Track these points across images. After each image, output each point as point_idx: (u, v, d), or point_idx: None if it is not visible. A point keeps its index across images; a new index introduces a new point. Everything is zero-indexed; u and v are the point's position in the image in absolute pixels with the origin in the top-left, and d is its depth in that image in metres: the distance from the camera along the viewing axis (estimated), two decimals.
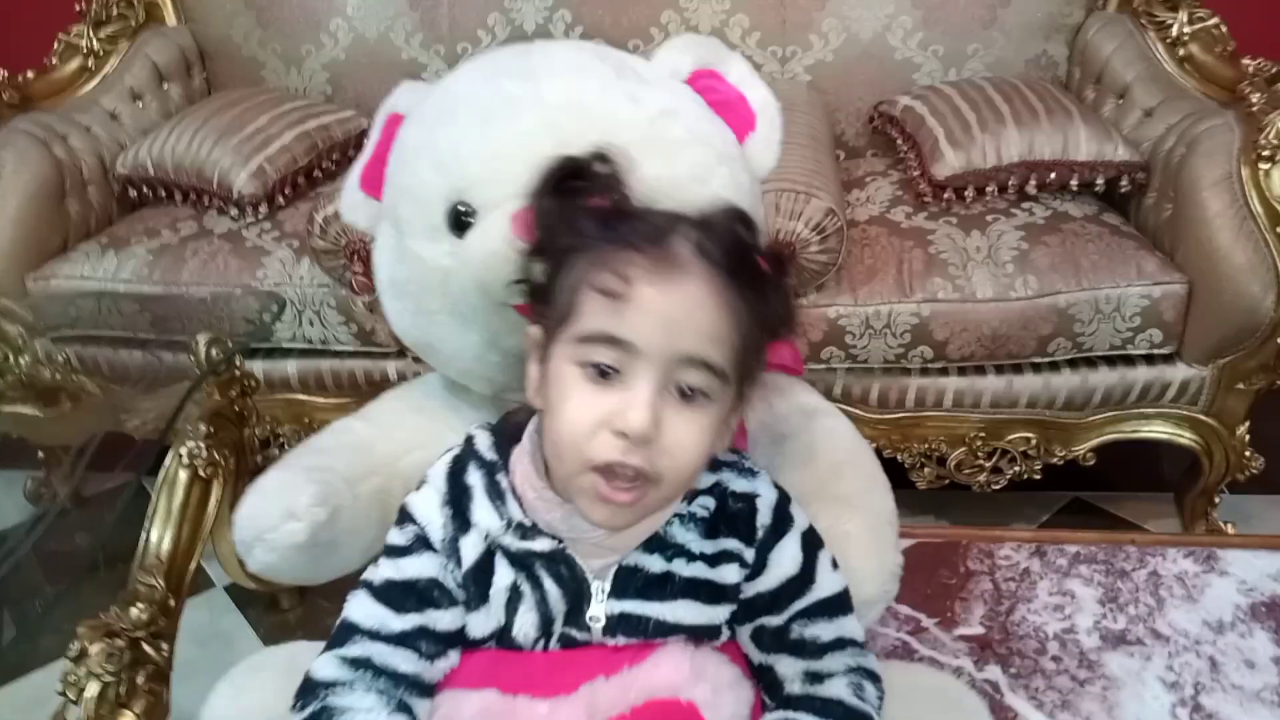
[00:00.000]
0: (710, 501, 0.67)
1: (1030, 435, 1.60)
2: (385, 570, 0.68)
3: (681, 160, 0.76)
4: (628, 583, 0.66)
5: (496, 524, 0.66)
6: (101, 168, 1.90)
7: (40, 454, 1.78)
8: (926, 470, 1.64)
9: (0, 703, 1.48)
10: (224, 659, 0.83)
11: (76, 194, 1.84)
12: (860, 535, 0.77)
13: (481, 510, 0.66)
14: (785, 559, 0.68)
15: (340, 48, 2.07)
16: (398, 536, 0.68)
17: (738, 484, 0.69)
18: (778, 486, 0.70)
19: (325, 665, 0.65)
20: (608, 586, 0.66)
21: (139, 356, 1.65)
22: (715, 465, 0.69)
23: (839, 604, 0.69)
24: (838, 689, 0.66)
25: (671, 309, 0.58)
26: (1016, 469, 1.62)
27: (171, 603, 1.23)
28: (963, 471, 1.63)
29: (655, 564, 0.66)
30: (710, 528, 0.67)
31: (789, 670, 0.67)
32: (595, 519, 0.62)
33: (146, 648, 1.16)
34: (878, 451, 1.62)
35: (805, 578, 0.68)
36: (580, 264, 0.60)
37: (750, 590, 0.68)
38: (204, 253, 1.72)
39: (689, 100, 0.81)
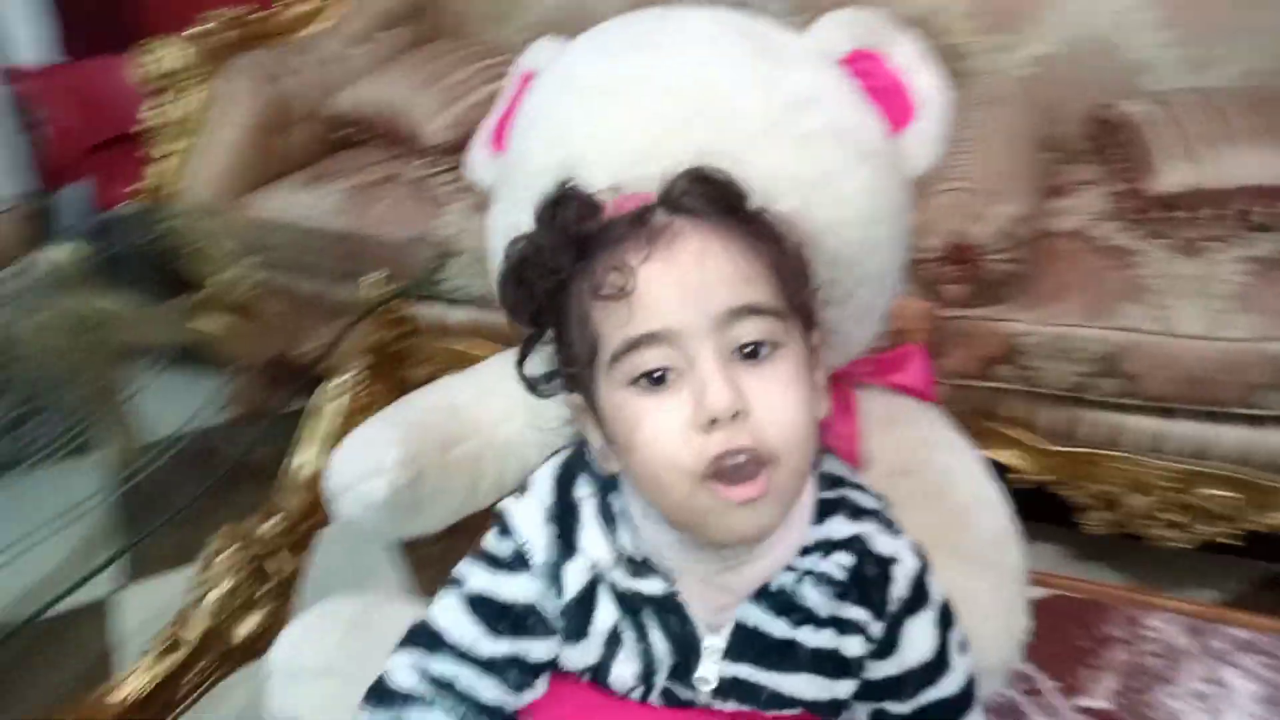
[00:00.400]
0: (848, 560, 0.58)
1: (1232, 494, 1.41)
2: (480, 580, 0.60)
3: (812, 157, 0.69)
4: (746, 645, 0.58)
5: (606, 555, 0.58)
6: (318, 105, 2.00)
7: (229, 365, 1.92)
8: (1097, 514, 1.49)
9: (145, 594, 1.62)
10: (363, 585, 0.84)
11: (290, 128, 1.96)
12: (986, 597, 0.69)
13: (590, 535, 0.59)
14: (918, 640, 0.58)
15: (551, 4, 2.09)
16: (496, 545, 0.61)
17: (880, 543, 0.58)
18: (918, 550, 0.60)
19: (405, 673, 0.60)
20: (722, 645, 0.58)
21: (319, 288, 1.75)
22: (858, 512, 0.59)
23: (967, 700, 0.60)
24: None
25: (684, 274, 0.51)
26: (1210, 529, 1.44)
27: (305, 524, 1.30)
28: (1142, 522, 1.47)
29: (779, 629, 0.57)
30: (843, 591, 0.57)
31: None
32: (740, 531, 0.53)
33: (274, 561, 1.23)
34: (1041, 486, 1.51)
35: (939, 664, 0.59)
36: (575, 294, 0.54)
37: (877, 671, 0.59)
38: (391, 197, 1.78)
39: (837, 86, 0.73)
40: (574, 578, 0.59)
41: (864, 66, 0.75)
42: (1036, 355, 1.42)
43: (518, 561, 0.60)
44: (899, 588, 0.58)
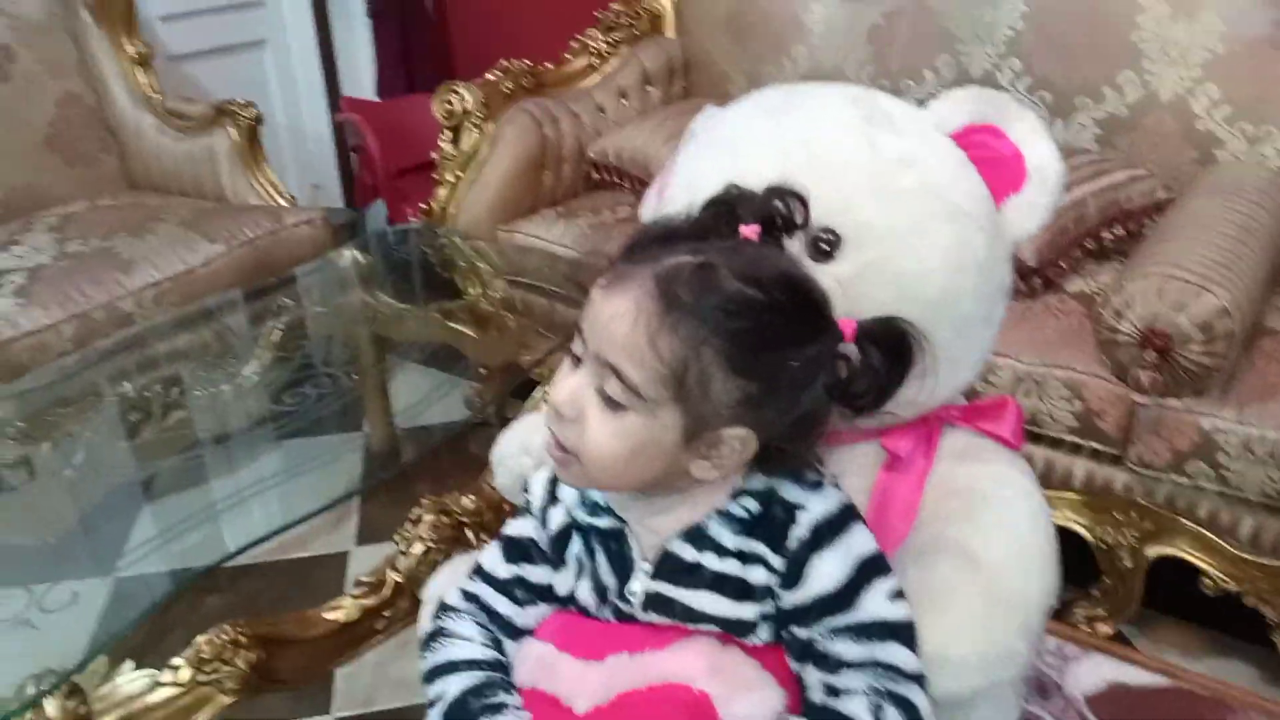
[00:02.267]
0: (754, 505, 0.70)
1: None
2: (507, 527, 0.81)
3: (902, 210, 0.77)
4: (665, 567, 0.71)
5: (573, 497, 0.76)
6: (578, 149, 2.26)
7: (481, 370, 2.18)
8: None
9: (377, 551, 1.88)
10: None
11: (553, 168, 2.22)
12: (973, 599, 0.74)
13: (567, 486, 0.77)
14: (823, 575, 0.68)
15: (798, 72, 2.23)
16: (521, 499, 0.82)
17: (789, 492, 0.70)
18: (848, 508, 0.71)
19: (453, 593, 0.80)
20: (650, 568, 0.72)
21: (553, 307, 1.97)
22: (774, 473, 0.71)
23: (883, 630, 0.68)
24: (854, 706, 0.66)
25: (602, 314, 0.65)
26: None
27: (505, 506, 1.50)
28: None
29: (688, 553, 0.71)
30: (747, 528, 0.70)
31: (811, 680, 0.69)
32: (559, 476, 0.72)
33: (468, 532, 1.43)
34: (1237, 595, 1.43)
35: (843, 598, 0.68)
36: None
37: (788, 600, 0.69)
38: (626, 233, 1.98)
39: (939, 153, 0.82)
40: (556, 519, 0.77)
41: (978, 138, 0.83)
42: (1235, 456, 1.37)
43: (526, 508, 0.80)
44: (800, 529, 0.69)
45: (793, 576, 0.69)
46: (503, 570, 0.79)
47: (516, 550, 0.80)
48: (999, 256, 0.82)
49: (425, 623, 0.94)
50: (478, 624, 0.78)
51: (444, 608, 0.81)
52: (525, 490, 0.81)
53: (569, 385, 0.67)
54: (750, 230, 0.69)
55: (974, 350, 0.85)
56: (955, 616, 0.72)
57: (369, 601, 1.33)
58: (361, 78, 3.10)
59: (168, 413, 1.70)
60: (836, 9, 2.18)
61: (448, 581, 0.95)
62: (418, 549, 1.37)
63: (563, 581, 0.77)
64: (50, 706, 1.00)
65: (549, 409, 0.68)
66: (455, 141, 2.15)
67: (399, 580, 1.35)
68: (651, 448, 0.66)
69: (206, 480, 1.64)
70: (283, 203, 2.31)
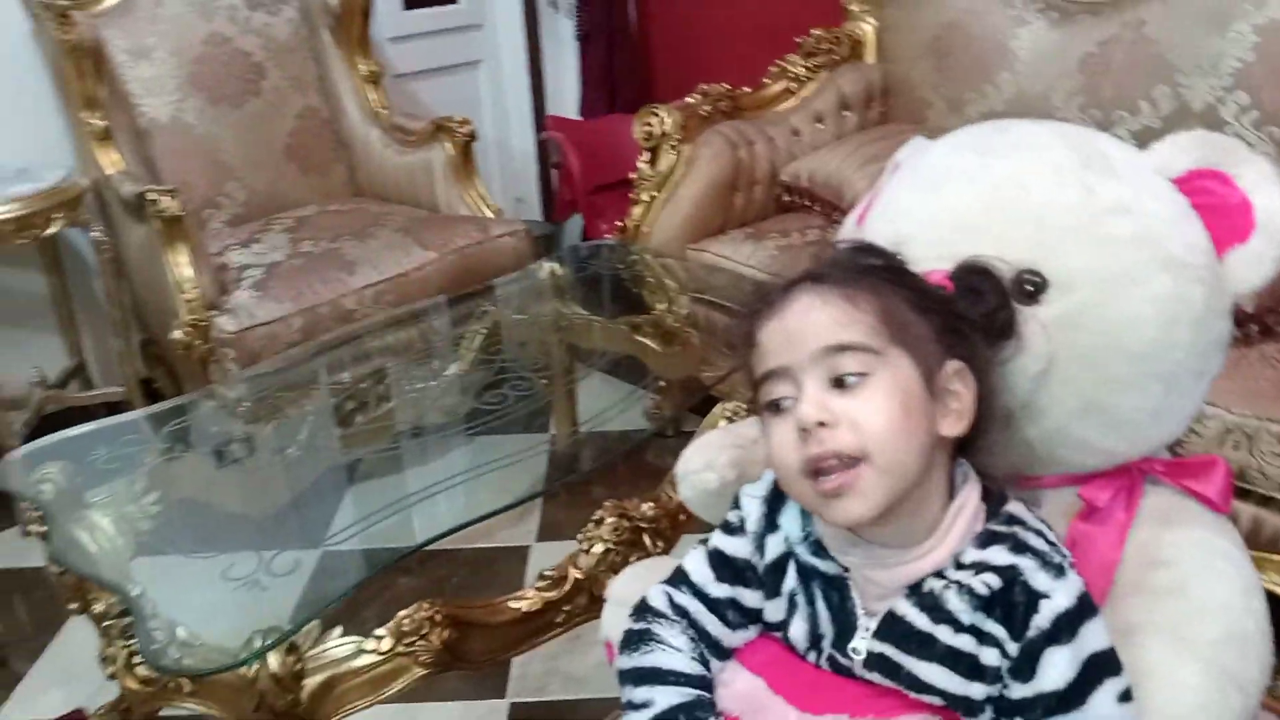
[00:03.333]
0: (996, 582, 0.68)
1: None
2: (717, 540, 0.81)
3: (1115, 257, 0.76)
4: (891, 629, 0.70)
5: (797, 533, 0.76)
6: (771, 172, 2.29)
7: (662, 383, 2.25)
8: None
9: (556, 549, 1.97)
10: None
11: (745, 190, 2.26)
12: (1196, 689, 0.71)
13: (789, 517, 0.77)
14: (1053, 672, 0.66)
15: (1001, 99, 2.19)
16: (730, 516, 0.81)
17: (1036, 579, 0.67)
18: (1085, 598, 0.68)
19: (659, 596, 0.80)
20: (873, 626, 0.71)
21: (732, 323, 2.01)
22: (1022, 548, 0.69)
23: None
24: None
25: (790, 326, 0.69)
26: None
27: (682, 517, 1.54)
28: None
29: (922, 621, 0.69)
30: (985, 605, 0.68)
31: None
32: (836, 520, 0.68)
33: (645, 537, 1.49)
34: None
35: (1073, 697, 0.66)
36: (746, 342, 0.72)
37: (1016, 692, 0.67)
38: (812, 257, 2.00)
39: (1159, 199, 0.80)
40: (773, 547, 0.77)
41: (1203, 184, 0.80)
42: None
43: (739, 528, 0.80)
44: (1041, 619, 0.66)
45: (1025, 668, 0.67)
46: (715, 589, 0.79)
47: (729, 570, 0.79)
48: (1217, 310, 0.80)
49: (610, 622, 0.99)
50: (689, 637, 0.79)
51: (650, 611, 0.80)
52: (735, 508, 0.81)
53: (807, 400, 0.67)
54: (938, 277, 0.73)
55: (1183, 404, 0.83)
56: (1178, 701, 0.70)
57: (551, 595, 1.41)
58: (567, 98, 3.25)
59: (378, 404, 1.85)
60: (1046, 35, 2.12)
61: (629, 583, 1.01)
62: (598, 549, 1.44)
63: (773, 610, 0.78)
64: (272, 660, 1.11)
65: (794, 451, 0.68)
66: (652, 162, 2.23)
67: (579, 577, 1.42)
68: (910, 399, 0.68)
69: (406, 469, 1.77)
70: (489, 214, 2.46)
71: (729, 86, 2.33)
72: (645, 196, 2.23)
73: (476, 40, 3.15)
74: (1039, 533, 0.72)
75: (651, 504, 1.49)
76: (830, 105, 2.41)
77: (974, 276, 0.74)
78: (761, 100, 2.40)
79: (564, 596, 1.42)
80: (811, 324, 0.68)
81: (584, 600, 1.43)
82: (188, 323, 1.98)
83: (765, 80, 2.43)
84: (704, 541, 0.84)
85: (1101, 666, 0.67)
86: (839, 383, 0.67)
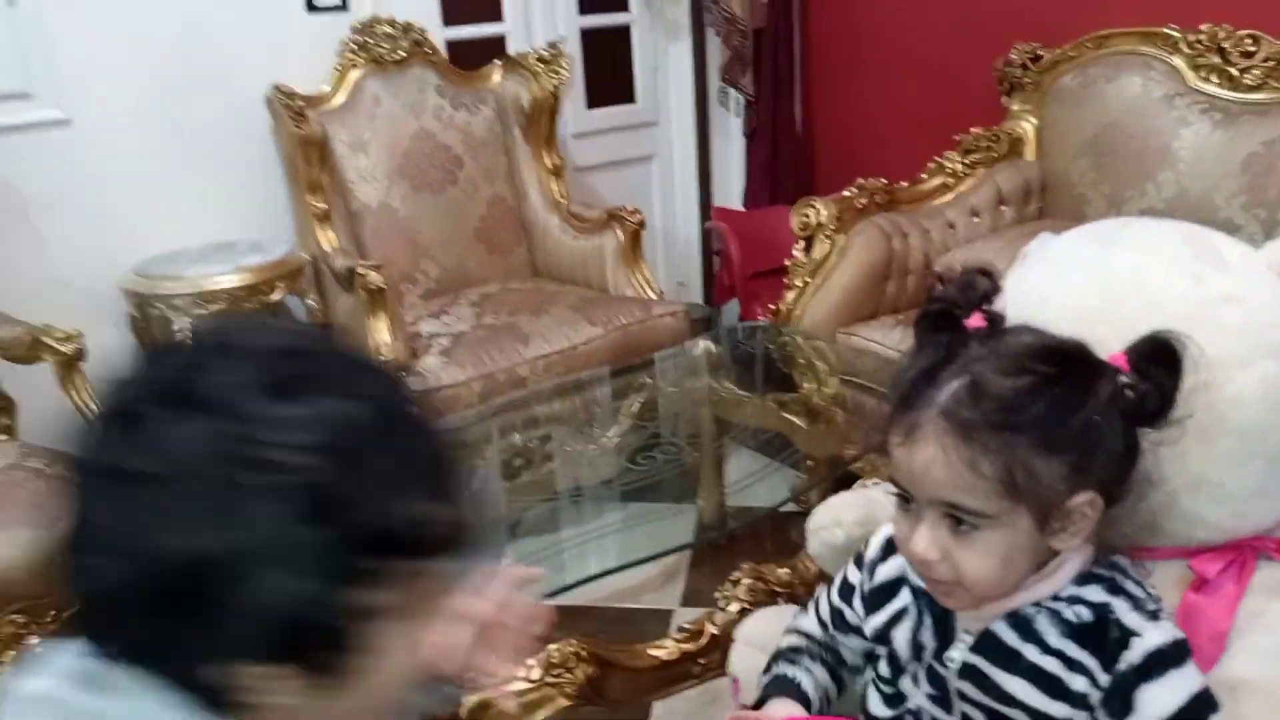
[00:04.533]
0: (1086, 614, 0.75)
1: None
2: (839, 572, 0.95)
3: (1222, 343, 0.81)
4: (986, 644, 0.78)
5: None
6: (924, 262, 2.37)
7: (809, 461, 2.33)
8: None
9: (692, 613, 2.05)
10: None
11: (897, 278, 2.35)
12: None
13: None
14: (1156, 704, 0.71)
15: (1161, 198, 2.20)
16: (829, 567, 0.98)
17: (1127, 617, 0.74)
18: (1182, 643, 0.74)
19: (789, 637, 0.95)
20: (970, 641, 0.79)
21: (882, 408, 2.08)
22: (1117, 590, 0.76)
23: None
24: None
25: (914, 467, 0.73)
26: None
27: (818, 584, 1.61)
28: None
29: (1010, 638, 0.77)
30: (1075, 634, 0.74)
31: None
32: (944, 604, 0.80)
33: (780, 600, 1.56)
34: None
35: None
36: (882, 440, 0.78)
37: None
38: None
39: (1269, 292, 0.85)
40: (885, 571, 0.88)
41: None
42: None
43: (860, 558, 0.91)
44: (1133, 654, 0.72)
45: (1119, 703, 0.73)
46: (825, 605, 0.94)
47: (843, 591, 0.93)
48: None
49: (736, 659, 1.09)
50: (823, 662, 0.93)
51: (780, 653, 0.95)
52: (866, 544, 0.93)
53: (921, 536, 0.74)
54: (975, 320, 0.77)
55: None
56: None
57: (687, 646, 1.50)
58: (732, 190, 3.43)
59: (543, 462, 2.01)
60: (1209, 135, 2.13)
61: (757, 625, 1.10)
62: (734, 608, 1.52)
63: (871, 625, 0.87)
64: None
65: (916, 560, 0.77)
66: (807, 250, 2.35)
67: (715, 632, 1.51)
68: (1016, 551, 0.73)
69: (562, 522, 1.92)
70: (653, 296, 2.63)
71: (886, 181, 2.44)
72: (799, 282, 2.34)
73: (651, 136, 3.39)
74: (1138, 582, 0.78)
75: (787, 570, 1.57)
76: (987, 200, 2.47)
77: (1158, 352, 0.74)
78: (918, 194, 2.49)
79: (700, 650, 1.50)
80: (932, 478, 0.72)
81: (719, 655, 1.51)
82: None
83: (923, 175, 2.53)
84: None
85: (1204, 705, 0.72)
86: (954, 520, 0.73)
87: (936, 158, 2.53)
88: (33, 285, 2.32)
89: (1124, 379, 0.73)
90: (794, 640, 0.95)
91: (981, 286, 0.79)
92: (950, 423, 0.71)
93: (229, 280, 2.35)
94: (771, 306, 2.43)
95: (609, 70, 3.25)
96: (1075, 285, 0.90)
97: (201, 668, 0.52)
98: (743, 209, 3.32)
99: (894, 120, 2.96)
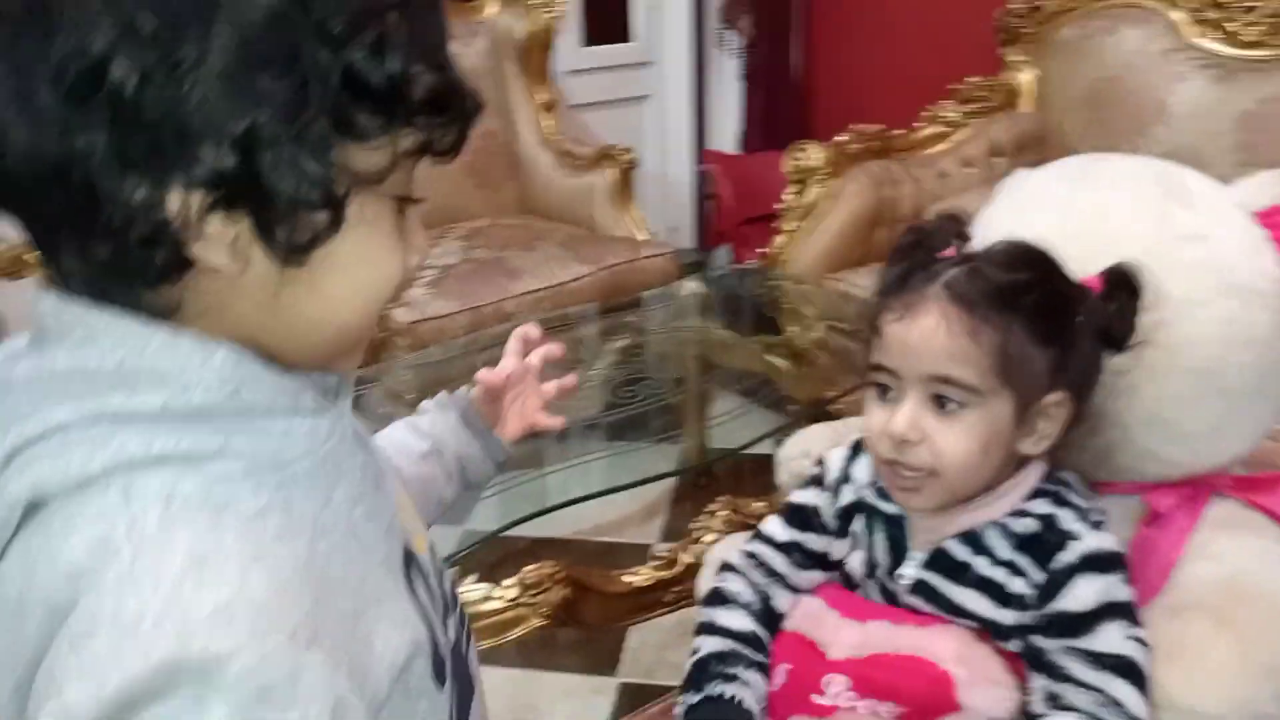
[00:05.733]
0: (1034, 526, 0.78)
1: None
2: (793, 494, 0.94)
3: (1181, 281, 0.82)
4: (937, 560, 0.81)
5: (865, 481, 0.87)
6: (915, 211, 2.37)
7: (790, 406, 2.34)
8: None
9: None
10: None
11: (887, 226, 2.35)
12: (1230, 660, 0.77)
13: (861, 466, 0.88)
14: (1075, 596, 0.75)
15: (1153, 153, 2.17)
16: (812, 469, 0.93)
17: (1068, 523, 0.77)
18: (1118, 555, 0.77)
19: (734, 553, 0.93)
20: (922, 557, 0.82)
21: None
22: (1062, 502, 0.79)
23: (1118, 665, 0.73)
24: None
25: (910, 339, 0.75)
26: None
27: None
28: None
29: (961, 553, 0.80)
30: (1022, 544, 0.78)
31: (1036, 686, 0.76)
32: (906, 506, 0.81)
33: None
34: None
35: (1084, 622, 0.74)
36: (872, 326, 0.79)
37: (1036, 612, 0.77)
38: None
39: (1234, 230, 0.86)
40: (846, 494, 0.89)
41: None
42: None
43: (815, 480, 0.92)
44: (1068, 554, 0.76)
45: (1048, 592, 0.76)
46: (783, 535, 0.91)
47: (798, 518, 0.91)
48: None
49: (704, 583, 1.12)
50: (750, 582, 0.90)
51: (725, 566, 0.93)
52: (818, 464, 0.93)
53: (903, 414, 0.75)
54: (948, 254, 0.78)
55: (1246, 422, 0.88)
56: (1209, 673, 0.76)
57: (662, 574, 1.54)
58: (727, 134, 3.41)
59: None
60: (1205, 91, 2.13)
61: (726, 550, 1.12)
62: (709, 537, 1.56)
63: (838, 550, 0.89)
64: None
65: (885, 441, 0.77)
66: (799, 194, 2.35)
67: (689, 561, 1.54)
68: (994, 437, 0.75)
69: (548, 453, 1.94)
70: (642, 237, 2.63)
71: (882, 127, 2.43)
72: (789, 226, 2.35)
73: (646, 76, 3.36)
74: (1083, 496, 0.81)
75: (765, 504, 1.60)
76: (981, 151, 2.47)
77: (1125, 280, 0.78)
78: (912, 142, 2.48)
79: (674, 578, 1.54)
80: (929, 348, 0.74)
81: (692, 584, 1.55)
82: None
83: (916, 125, 2.52)
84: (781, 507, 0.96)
85: (1120, 610, 0.76)
86: (938, 401, 0.75)
87: (930, 106, 2.52)
88: None
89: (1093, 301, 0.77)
90: (721, 644, 0.87)
91: (952, 227, 0.82)
92: (953, 294, 0.74)
93: None
94: (760, 250, 2.44)
95: (605, 7, 3.21)
96: (1039, 222, 0.90)
97: (135, 189, 0.42)
98: (739, 153, 3.31)
99: (892, 69, 2.94)
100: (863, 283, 2.24)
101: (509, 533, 1.68)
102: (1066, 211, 0.90)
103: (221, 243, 0.44)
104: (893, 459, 0.78)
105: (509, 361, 0.87)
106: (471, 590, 1.37)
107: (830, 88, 3.20)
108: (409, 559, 0.56)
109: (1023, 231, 0.91)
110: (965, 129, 2.51)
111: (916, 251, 0.80)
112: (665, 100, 3.42)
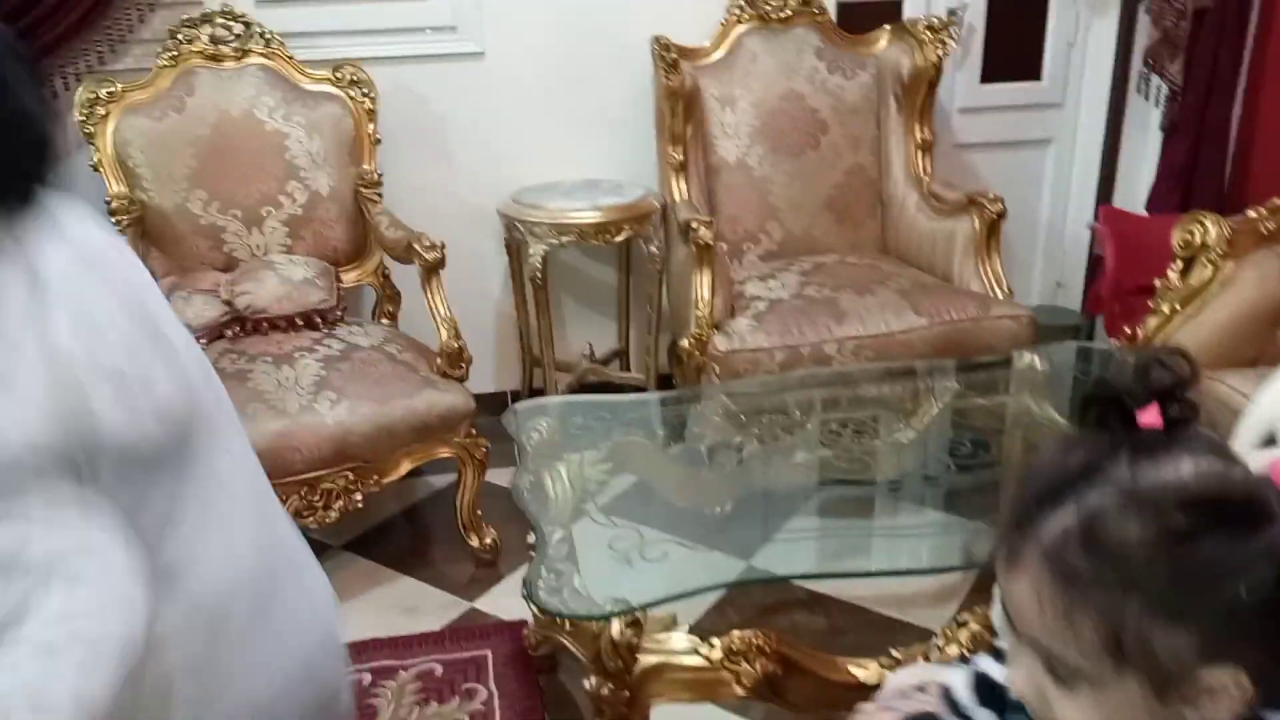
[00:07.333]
0: None
1: None
2: (984, 663, 0.87)
3: None
4: None
5: None
6: None
7: None
8: None
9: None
10: None
11: None
12: None
13: None
14: None
15: None
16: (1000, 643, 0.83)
17: None
18: None
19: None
20: None
21: None
22: None
23: None
24: None
25: (1010, 597, 0.63)
26: None
27: None
28: None
29: None
30: None
31: None
32: None
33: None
34: None
35: None
36: None
37: None
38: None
39: None
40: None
41: None
42: None
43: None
44: None
45: None
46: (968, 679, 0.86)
47: (990, 692, 0.85)
48: None
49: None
50: None
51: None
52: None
53: (1020, 676, 0.65)
54: (1149, 416, 0.60)
55: None
56: None
57: (890, 675, 1.42)
58: (1137, 191, 3.01)
59: (834, 445, 1.96)
60: None
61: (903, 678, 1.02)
62: (952, 650, 1.41)
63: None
64: (615, 625, 1.31)
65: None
66: (1184, 273, 2.02)
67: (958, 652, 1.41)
68: (1125, 712, 0.61)
69: (838, 508, 1.86)
70: (999, 294, 2.42)
71: None
72: (1165, 308, 2.03)
73: (1052, 118, 3.07)
74: None
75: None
76: None
77: None
78: None
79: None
80: (1023, 616, 0.62)
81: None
82: (693, 335, 2.29)
83: None
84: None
85: None
86: (1052, 667, 0.62)
87: None
88: (431, 196, 2.68)
89: None
90: None
91: (1159, 376, 0.62)
92: (1051, 565, 0.60)
93: (583, 216, 2.54)
94: (1128, 331, 2.13)
95: (1014, 43, 2.97)
96: None
97: None
98: (1144, 213, 2.91)
99: None
100: (1246, 389, 1.88)
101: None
102: None
103: None
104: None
105: None
106: (678, 640, 1.37)
107: (1273, 151, 2.69)
108: None
109: None
110: None
111: (1111, 412, 0.62)
112: (1071, 146, 3.10)
